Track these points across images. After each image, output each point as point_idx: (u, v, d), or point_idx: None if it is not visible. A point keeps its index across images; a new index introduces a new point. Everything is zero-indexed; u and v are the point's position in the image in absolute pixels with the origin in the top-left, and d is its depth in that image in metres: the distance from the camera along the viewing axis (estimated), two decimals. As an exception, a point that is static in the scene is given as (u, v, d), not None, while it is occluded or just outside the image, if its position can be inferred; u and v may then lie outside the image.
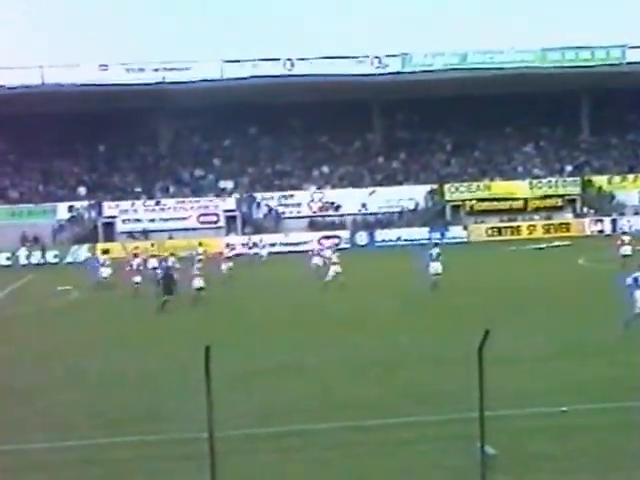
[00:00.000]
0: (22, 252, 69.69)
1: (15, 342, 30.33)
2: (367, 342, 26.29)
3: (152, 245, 58.04)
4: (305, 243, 68.58)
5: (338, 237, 71.33)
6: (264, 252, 61.08)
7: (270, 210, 76.72)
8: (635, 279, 25.72)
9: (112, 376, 22.82)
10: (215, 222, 75.11)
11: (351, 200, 76.86)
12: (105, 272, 47.48)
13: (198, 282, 39.31)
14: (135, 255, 48.41)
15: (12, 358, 26.87)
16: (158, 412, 19.01)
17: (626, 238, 48.51)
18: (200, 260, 45.66)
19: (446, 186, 77.99)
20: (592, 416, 17.15)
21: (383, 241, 71.76)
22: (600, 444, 15.46)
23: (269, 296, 41.23)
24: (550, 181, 78.69)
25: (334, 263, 43.18)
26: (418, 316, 32.44)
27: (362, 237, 73.56)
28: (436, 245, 43.19)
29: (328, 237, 71.87)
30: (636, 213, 76.27)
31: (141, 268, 45.69)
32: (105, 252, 54.00)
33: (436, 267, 40.11)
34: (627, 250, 46.94)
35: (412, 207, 77.25)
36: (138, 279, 44.18)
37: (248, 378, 21.81)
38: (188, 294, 38.60)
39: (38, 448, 16.78)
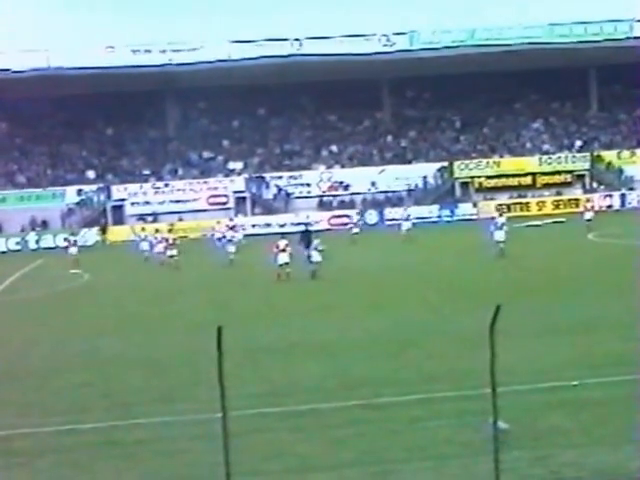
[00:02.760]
0: (31, 236, 69.84)
1: (28, 325, 30.46)
2: (386, 320, 26.37)
3: (230, 220, 60.19)
4: (316, 223, 68.54)
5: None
6: (356, 229, 61.30)
7: (279, 190, 76.65)
8: None
9: (126, 358, 22.90)
10: (224, 203, 75.11)
11: (360, 179, 76.72)
12: (154, 248, 51.21)
13: (283, 257, 39.20)
14: (170, 230, 53.94)
15: (25, 341, 26.96)
16: (171, 392, 19.09)
17: (589, 205, 58.24)
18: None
19: (455, 163, 77.83)
20: (603, 390, 17.16)
21: (393, 220, 71.53)
22: (612, 417, 15.48)
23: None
24: (559, 157, 78.47)
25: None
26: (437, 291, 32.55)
27: (372, 216, 73.47)
28: (501, 215, 47.71)
29: (339, 216, 72.00)
30: (645, 187, 76.16)
31: (177, 243, 48.96)
32: (157, 231, 57.19)
33: (500, 235, 43.57)
34: (589, 215, 55.13)
35: (421, 185, 77.10)
36: (174, 252, 47.34)
37: (262, 357, 21.86)
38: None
39: (53, 430, 16.87)
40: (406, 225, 58.10)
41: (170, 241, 48.60)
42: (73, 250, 53.33)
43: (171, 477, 14.28)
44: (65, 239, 58.11)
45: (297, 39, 78.49)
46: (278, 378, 19.98)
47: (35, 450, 15.83)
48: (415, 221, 62.01)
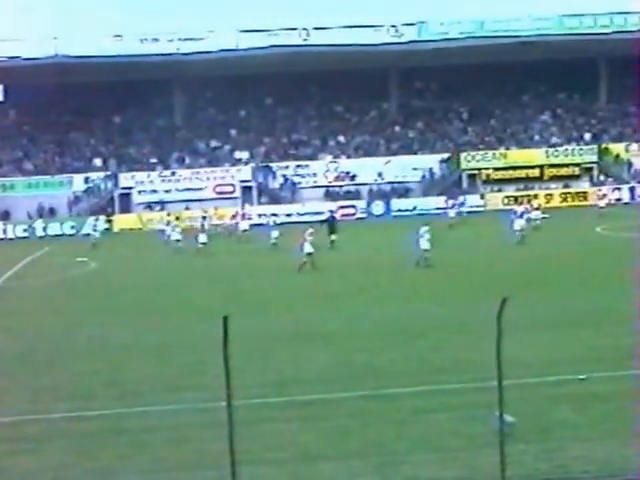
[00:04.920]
0: (39, 224, 69.88)
1: (34, 312, 30.50)
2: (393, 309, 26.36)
3: (242, 208, 62.23)
4: (322, 213, 68.65)
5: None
6: (452, 213, 61.52)
7: (286, 180, 76.55)
8: None
9: (132, 346, 22.92)
10: (231, 192, 75.03)
11: (367, 170, 76.55)
12: (175, 235, 50.87)
13: (308, 247, 38.94)
14: (203, 217, 55.83)
15: (32, 328, 27.01)
16: (178, 381, 19.13)
17: (601, 194, 63.20)
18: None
19: (462, 155, 77.59)
20: (611, 384, 17.14)
21: (399, 210, 71.51)
22: (619, 411, 15.46)
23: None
24: (567, 149, 78.20)
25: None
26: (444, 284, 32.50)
27: (378, 207, 73.35)
28: (520, 204, 51.17)
29: (345, 207, 71.97)
30: (654, 181, 75.95)
31: (206, 229, 50.44)
32: (177, 218, 59.20)
33: (520, 224, 45.59)
34: (601, 203, 59.49)
35: (428, 176, 76.96)
36: (203, 239, 48.14)
37: (270, 346, 21.89)
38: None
39: (61, 417, 16.92)
40: (452, 213, 60.15)
41: (199, 227, 50.26)
42: (96, 234, 56.96)
43: (177, 465, 14.34)
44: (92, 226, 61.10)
45: (305, 29, 78.29)
46: (284, 368, 20.01)
47: (43, 436, 15.91)
48: (459, 210, 62.89)
